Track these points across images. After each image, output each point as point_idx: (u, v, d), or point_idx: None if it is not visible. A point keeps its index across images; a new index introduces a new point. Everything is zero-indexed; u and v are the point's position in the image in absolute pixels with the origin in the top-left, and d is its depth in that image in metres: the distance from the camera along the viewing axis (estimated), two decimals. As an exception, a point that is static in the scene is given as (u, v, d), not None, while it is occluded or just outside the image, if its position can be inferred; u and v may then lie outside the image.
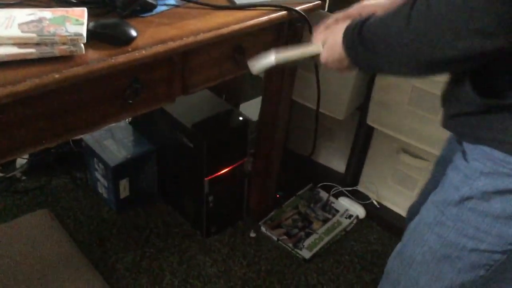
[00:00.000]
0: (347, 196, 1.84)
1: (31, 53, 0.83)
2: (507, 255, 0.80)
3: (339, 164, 1.92)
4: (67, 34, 0.85)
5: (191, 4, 1.14)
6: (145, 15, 1.07)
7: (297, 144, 1.97)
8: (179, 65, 1.07)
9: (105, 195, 1.74)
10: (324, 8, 1.55)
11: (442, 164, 0.92)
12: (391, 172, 1.75)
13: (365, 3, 0.95)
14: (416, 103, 1.49)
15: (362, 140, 1.75)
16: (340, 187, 1.86)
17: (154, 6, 1.08)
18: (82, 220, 1.68)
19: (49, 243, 1.55)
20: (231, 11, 1.14)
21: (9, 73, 0.81)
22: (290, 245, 1.65)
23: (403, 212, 1.77)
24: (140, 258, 1.57)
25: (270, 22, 1.16)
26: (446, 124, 0.82)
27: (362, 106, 1.67)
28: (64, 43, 0.85)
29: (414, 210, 1.01)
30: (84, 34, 0.87)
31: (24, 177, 1.81)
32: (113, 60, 0.89)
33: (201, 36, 1.03)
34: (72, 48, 0.86)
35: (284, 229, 1.71)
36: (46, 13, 0.91)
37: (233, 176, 1.61)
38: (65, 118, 0.93)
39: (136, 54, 0.92)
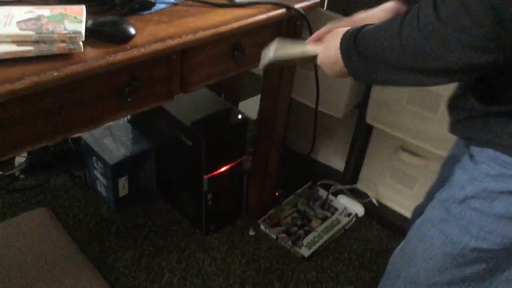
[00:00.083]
0: (346, 194, 1.84)
1: (29, 51, 0.83)
2: (508, 252, 0.81)
3: (338, 162, 1.92)
4: (65, 32, 0.85)
5: (189, 2, 1.14)
6: (144, 13, 1.06)
7: (296, 142, 1.97)
8: (178, 63, 1.07)
9: (104, 193, 1.73)
10: (323, 6, 1.55)
11: (450, 165, 0.93)
12: (390, 170, 1.75)
13: (356, 17, 0.95)
14: (415, 101, 1.49)
15: (361, 138, 1.75)
16: (339, 185, 1.86)
17: (152, 4, 1.08)
18: (81, 218, 1.68)
19: (48, 241, 1.55)
20: (230, 9, 1.14)
21: (8, 71, 0.80)
22: (289, 243, 1.65)
23: (402, 210, 1.77)
24: (139, 256, 1.57)
25: (269, 20, 1.16)
26: (452, 130, 0.84)
27: (361, 105, 1.67)
28: (62, 41, 0.85)
29: (419, 212, 1.02)
30: (83, 32, 0.87)
31: (22, 176, 1.81)
32: (111, 58, 0.89)
33: (200, 34, 1.03)
34: (71, 46, 0.86)
35: (283, 227, 1.71)
36: (45, 11, 0.90)
37: (232, 174, 1.61)
38: (63, 116, 0.93)
39: (135, 52, 0.92)
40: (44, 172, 1.83)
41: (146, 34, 0.98)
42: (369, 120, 1.63)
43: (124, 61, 0.91)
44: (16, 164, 1.82)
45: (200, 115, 1.53)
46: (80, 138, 1.73)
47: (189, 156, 1.54)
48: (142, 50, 0.93)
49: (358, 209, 1.80)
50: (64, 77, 0.84)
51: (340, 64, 0.82)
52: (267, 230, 1.69)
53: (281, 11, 1.18)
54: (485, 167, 0.76)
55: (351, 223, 1.76)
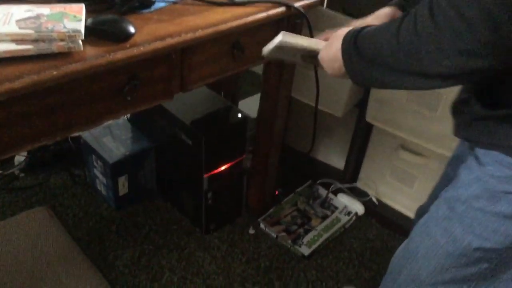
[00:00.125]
0: (346, 193, 1.84)
1: (28, 50, 0.83)
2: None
3: (338, 161, 1.92)
4: (65, 30, 0.85)
5: (189, 1, 1.14)
6: (143, 11, 1.06)
7: (296, 141, 1.97)
8: (177, 61, 1.07)
9: (103, 192, 1.73)
10: (323, 5, 1.55)
11: (455, 164, 0.94)
12: (390, 168, 1.75)
13: (354, 23, 0.96)
14: (415, 100, 1.49)
15: (361, 137, 1.75)
16: (339, 184, 1.86)
17: (152, 3, 1.08)
18: (81, 217, 1.68)
19: (48, 240, 1.55)
20: (229, 8, 1.14)
21: (7, 69, 0.80)
22: (289, 241, 1.65)
23: (402, 209, 1.77)
24: (139, 255, 1.57)
25: (269, 18, 1.16)
26: (457, 133, 0.84)
27: (361, 103, 1.67)
28: (62, 40, 0.85)
29: (422, 212, 1.02)
30: (82, 31, 0.86)
31: (22, 175, 1.81)
32: (111, 57, 0.89)
33: (200, 33, 1.02)
34: (70, 45, 0.86)
35: (283, 225, 1.71)
36: (44, 10, 0.90)
37: (232, 173, 1.61)
38: (63, 115, 0.93)
39: (134, 51, 0.92)
40: (43, 171, 1.83)
41: (145, 33, 0.98)
42: (369, 118, 1.63)
43: (124, 59, 0.91)
44: (16, 163, 1.82)
45: (199, 114, 1.53)
46: (79, 137, 1.73)
47: (189, 155, 1.54)
48: (142, 48, 0.93)
49: (358, 207, 1.80)
50: (64, 76, 0.84)
51: (339, 63, 0.83)
52: (267, 229, 1.69)
53: (281, 9, 1.18)
54: (490, 169, 0.77)
55: (351, 221, 1.76)
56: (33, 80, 0.80)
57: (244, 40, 1.18)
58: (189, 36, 1.01)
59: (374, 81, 0.79)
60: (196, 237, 1.65)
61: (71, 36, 0.85)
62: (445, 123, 1.44)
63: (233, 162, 1.58)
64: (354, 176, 1.86)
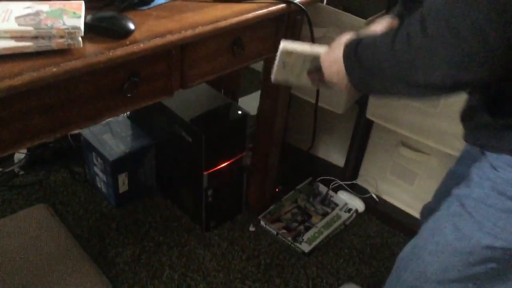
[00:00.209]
0: (346, 190, 1.84)
1: (28, 47, 0.83)
2: None
3: (338, 158, 1.92)
4: (64, 27, 0.84)
5: (189, -3, 1.14)
6: (143, 8, 1.06)
7: (296, 138, 1.97)
8: (177, 58, 1.06)
9: (104, 189, 1.73)
10: (323, 1, 1.54)
11: (465, 162, 0.95)
12: (390, 165, 1.75)
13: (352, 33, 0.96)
14: (416, 96, 1.49)
15: (361, 134, 1.75)
16: (339, 181, 1.86)
17: (152, -1, 1.07)
18: (81, 214, 1.68)
19: (48, 237, 1.55)
20: (229, 4, 1.14)
21: (6, 66, 0.80)
22: (290, 239, 1.65)
23: (402, 206, 1.77)
24: (140, 252, 1.57)
25: (269, 15, 1.16)
26: (467, 139, 0.86)
27: (361, 100, 1.66)
28: (61, 36, 0.84)
29: (428, 211, 1.02)
30: (82, 27, 0.86)
31: (22, 172, 1.81)
32: (111, 54, 0.89)
33: (200, 29, 1.02)
34: (70, 42, 0.85)
35: (283, 223, 1.71)
36: (43, 6, 0.90)
37: (232, 170, 1.61)
38: (63, 112, 0.92)
39: (134, 48, 0.92)
40: (43, 169, 1.83)
41: (145, 30, 0.97)
42: (369, 115, 1.63)
43: (124, 56, 0.90)
44: (16, 160, 1.81)
45: (199, 111, 1.52)
46: (79, 134, 1.73)
47: (189, 152, 1.53)
48: (142, 45, 0.93)
49: (358, 204, 1.80)
50: (63, 73, 0.83)
51: (338, 66, 0.84)
52: (267, 226, 1.69)
53: (281, 6, 1.17)
54: (502, 172, 0.78)
55: (351, 218, 1.76)
56: (33, 77, 0.80)
57: (244, 37, 1.18)
58: (189, 33, 1.00)
59: (374, 89, 0.82)
60: (196, 234, 1.65)
61: (70, 33, 0.85)
62: (445, 120, 1.44)
63: (233, 159, 1.58)
64: (355, 173, 1.86)
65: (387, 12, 1.47)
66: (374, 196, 1.82)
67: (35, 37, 0.83)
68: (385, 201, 1.81)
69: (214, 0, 1.14)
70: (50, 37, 0.84)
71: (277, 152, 1.64)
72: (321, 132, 1.88)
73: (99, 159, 1.66)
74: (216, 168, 1.54)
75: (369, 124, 1.71)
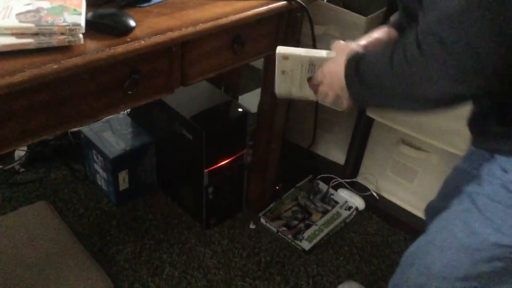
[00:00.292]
0: (347, 188, 1.84)
1: (29, 43, 0.83)
2: None
3: (338, 156, 1.92)
4: (65, 24, 0.84)
5: (189, -6, 1.13)
6: (144, 5, 1.06)
7: (296, 135, 1.97)
8: (178, 56, 1.06)
9: (104, 187, 1.73)
10: (323, -1, 1.54)
11: (473, 159, 0.96)
12: (390, 163, 1.75)
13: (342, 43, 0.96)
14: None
15: (361, 131, 1.75)
16: (339, 179, 1.86)
17: (152, -4, 1.07)
18: (81, 212, 1.68)
19: (49, 235, 1.55)
20: (230, 1, 1.13)
21: (7, 63, 0.80)
22: (290, 236, 1.65)
23: (402, 204, 1.77)
24: (140, 250, 1.57)
25: (270, 12, 1.16)
26: (475, 143, 0.87)
27: (361, 98, 1.66)
28: (62, 33, 0.84)
29: (433, 209, 1.02)
30: (83, 24, 0.86)
31: (22, 169, 1.81)
32: (112, 51, 0.89)
33: (200, 27, 1.02)
34: (71, 38, 0.85)
35: (283, 220, 1.71)
36: (44, 3, 0.90)
37: (233, 168, 1.61)
38: (63, 109, 0.92)
39: (135, 45, 0.92)
40: (44, 166, 1.83)
41: (146, 27, 0.97)
42: (369, 113, 1.63)
43: (124, 53, 0.90)
44: (16, 157, 1.82)
45: (200, 109, 1.52)
46: (80, 131, 1.73)
47: (189, 150, 1.53)
48: (142, 42, 0.93)
49: (358, 202, 1.80)
50: (64, 70, 0.83)
51: (339, 80, 0.85)
52: (267, 224, 1.69)
53: (282, 3, 1.17)
54: None
55: (351, 216, 1.76)
56: (33, 74, 0.80)
57: (244, 34, 1.18)
58: (190, 30, 1.00)
59: (375, 104, 0.86)
60: (197, 231, 1.65)
61: (71, 30, 0.85)
62: (445, 118, 1.44)
63: (233, 157, 1.58)
64: (355, 171, 1.86)
65: (387, 10, 1.47)
66: (374, 194, 1.82)
67: (35, 34, 0.83)
68: (385, 199, 1.81)
69: (214, -3, 1.14)
70: (51, 34, 0.84)
71: (278, 150, 1.64)
72: (321, 129, 1.88)
73: (99, 156, 1.66)
74: (217, 165, 1.54)
75: (370, 122, 1.71)
